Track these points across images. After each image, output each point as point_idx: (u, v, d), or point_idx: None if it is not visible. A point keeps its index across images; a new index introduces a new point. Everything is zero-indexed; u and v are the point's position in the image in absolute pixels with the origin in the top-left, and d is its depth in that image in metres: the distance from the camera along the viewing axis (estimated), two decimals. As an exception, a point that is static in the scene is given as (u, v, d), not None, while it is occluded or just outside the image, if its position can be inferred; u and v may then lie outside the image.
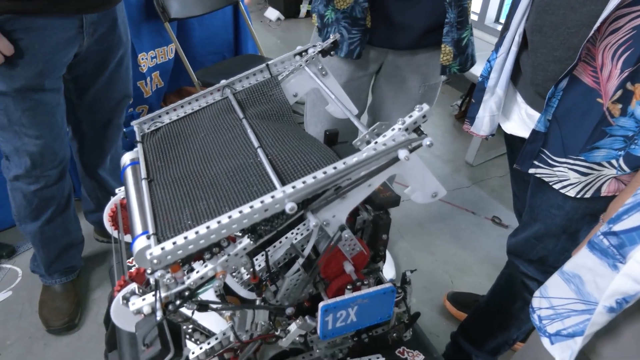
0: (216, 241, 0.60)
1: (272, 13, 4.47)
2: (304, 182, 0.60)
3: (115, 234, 0.84)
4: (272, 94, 0.85)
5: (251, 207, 0.59)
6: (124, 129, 1.76)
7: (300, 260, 0.74)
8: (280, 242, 0.79)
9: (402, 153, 0.62)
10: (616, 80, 0.79)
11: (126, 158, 0.78)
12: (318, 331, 0.73)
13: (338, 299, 0.71)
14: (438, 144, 2.67)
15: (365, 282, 0.74)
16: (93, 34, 1.34)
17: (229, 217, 0.59)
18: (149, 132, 0.84)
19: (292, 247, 0.78)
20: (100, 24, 1.35)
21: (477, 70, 2.34)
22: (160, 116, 0.85)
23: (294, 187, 0.60)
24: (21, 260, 1.94)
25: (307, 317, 0.75)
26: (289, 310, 0.75)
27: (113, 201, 0.82)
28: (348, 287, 0.73)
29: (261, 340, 0.76)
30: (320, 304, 0.70)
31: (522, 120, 1.01)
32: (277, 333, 0.75)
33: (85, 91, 1.48)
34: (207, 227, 0.58)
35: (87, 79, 1.46)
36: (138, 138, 0.81)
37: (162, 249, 0.57)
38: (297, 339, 0.76)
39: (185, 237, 0.58)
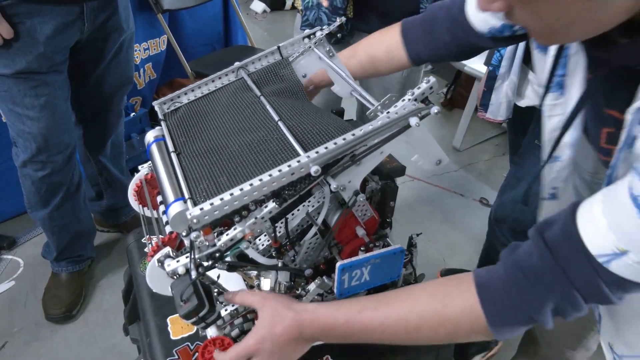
0: (248, 202, 0.66)
1: (257, 5, 4.49)
2: (326, 148, 0.66)
3: (139, 208, 0.88)
4: (284, 74, 0.90)
5: (279, 170, 0.65)
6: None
7: (315, 227, 0.81)
8: (293, 214, 0.85)
9: (413, 120, 0.68)
10: None
11: (150, 136, 0.83)
12: (335, 289, 0.80)
13: (353, 258, 0.78)
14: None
15: (377, 244, 0.80)
16: (94, 20, 1.37)
17: (260, 180, 0.65)
18: (169, 112, 0.89)
19: (308, 216, 0.85)
20: (102, 11, 1.38)
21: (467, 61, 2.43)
22: (179, 97, 0.90)
23: (317, 152, 0.66)
24: (22, 251, 1.96)
25: (324, 277, 0.81)
26: (308, 272, 0.81)
27: (137, 177, 0.86)
28: (361, 248, 0.80)
29: (283, 300, 0.82)
30: (338, 264, 0.77)
31: (535, 93, 1.09)
32: (298, 292, 0.81)
33: (87, 76, 1.52)
34: (241, 189, 0.64)
35: (88, 65, 1.49)
36: (161, 117, 0.86)
37: (201, 209, 0.63)
38: (315, 297, 0.83)
39: (222, 199, 0.63)
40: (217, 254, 0.70)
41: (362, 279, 0.80)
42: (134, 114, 2.27)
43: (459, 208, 2.30)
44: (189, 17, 2.49)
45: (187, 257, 0.71)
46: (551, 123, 0.72)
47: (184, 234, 0.70)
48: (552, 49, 0.68)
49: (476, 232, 2.16)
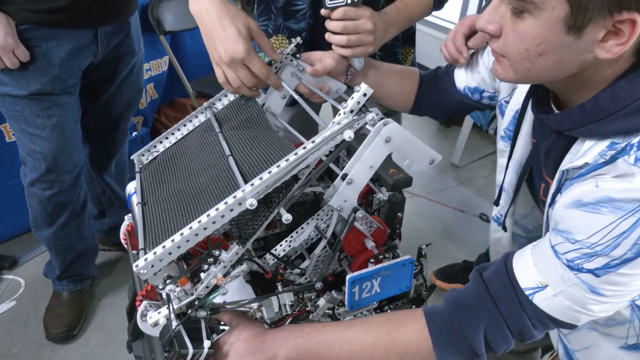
0: (191, 246, 0.65)
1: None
2: (260, 178, 0.64)
3: (130, 252, 0.90)
4: (248, 104, 0.91)
5: (217, 209, 0.63)
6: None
7: (325, 240, 0.81)
8: (299, 231, 0.86)
9: (347, 133, 0.67)
10: None
11: (130, 187, 0.87)
12: (345, 302, 0.79)
13: (363, 271, 0.78)
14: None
15: (386, 256, 0.81)
16: (107, 43, 1.40)
17: (199, 222, 0.63)
18: (147, 163, 0.92)
19: (316, 229, 0.85)
20: (115, 34, 1.41)
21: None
22: (155, 146, 0.93)
23: (252, 185, 0.64)
24: (23, 271, 1.95)
25: (333, 291, 0.81)
26: (318, 285, 0.81)
27: (128, 221, 0.88)
28: (371, 260, 0.80)
29: (293, 319, 0.81)
30: (348, 276, 0.77)
31: None
32: (307, 309, 0.81)
33: (97, 97, 1.54)
34: (181, 234, 0.63)
35: (99, 86, 1.51)
36: (137, 169, 0.89)
37: (145, 259, 0.63)
38: (326, 311, 0.83)
39: (164, 246, 0.63)
40: (197, 302, 0.70)
41: (373, 290, 0.81)
42: (135, 133, 2.29)
43: (459, 224, 2.31)
44: (190, 38, 2.52)
45: (167, 308, 0.70)
46: (501, 161, 0.96)
47: (160, 287, 0.69)
48: (510, 111, 0.88)
49: (476, 248, 2.16)
